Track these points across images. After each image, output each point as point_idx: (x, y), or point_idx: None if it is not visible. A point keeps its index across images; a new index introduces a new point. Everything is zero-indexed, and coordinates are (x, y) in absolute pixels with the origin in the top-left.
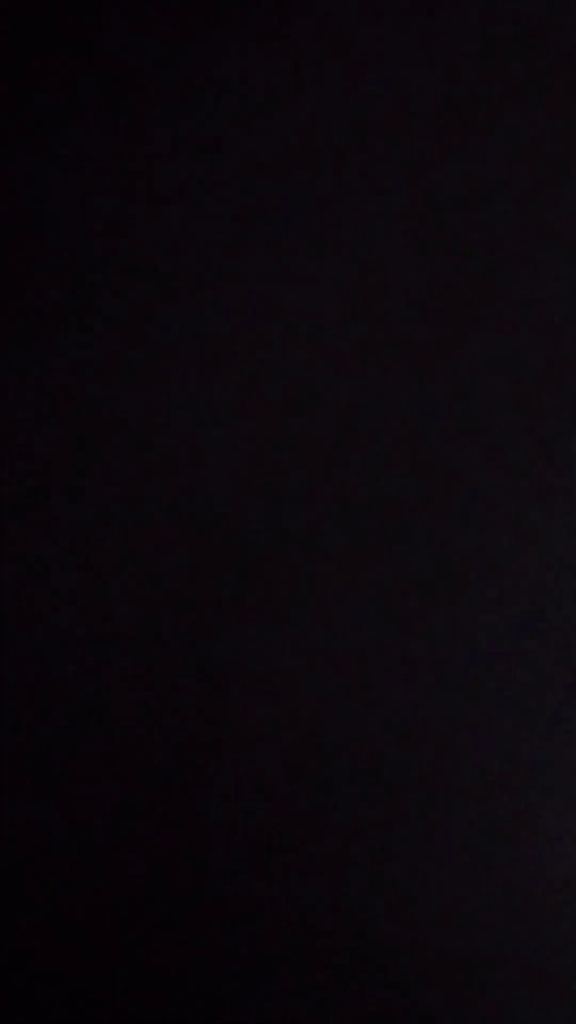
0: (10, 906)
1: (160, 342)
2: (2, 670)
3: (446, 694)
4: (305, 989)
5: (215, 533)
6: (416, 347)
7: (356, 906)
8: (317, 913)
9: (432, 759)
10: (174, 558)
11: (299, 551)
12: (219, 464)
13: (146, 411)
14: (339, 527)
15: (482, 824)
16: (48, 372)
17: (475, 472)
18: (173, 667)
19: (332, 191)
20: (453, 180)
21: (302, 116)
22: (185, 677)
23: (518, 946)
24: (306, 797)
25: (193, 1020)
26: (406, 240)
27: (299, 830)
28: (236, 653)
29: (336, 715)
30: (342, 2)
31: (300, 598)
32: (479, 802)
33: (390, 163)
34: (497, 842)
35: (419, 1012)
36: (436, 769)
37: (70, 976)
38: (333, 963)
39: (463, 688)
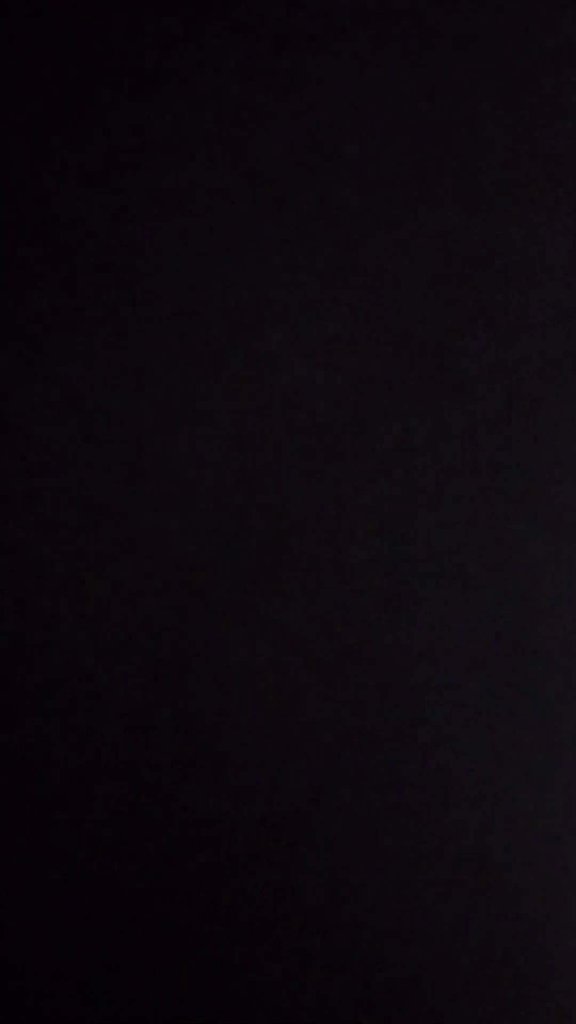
0: (9, 907)
1: (158, 342)
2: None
3: (444, 692)
4: (303, 987)
5: (214, 530)
6: (415, 347)
7: (354, 905)
8: (314, 912)
9: (431, 757)
10: (173, 557)
11: (298, 550)
12: (218, 463)
13: (144, 411)
14: (338, 526)
15: (480, 823)
16: (47, 372)
17: (474, 473)
18: (172, 667)
19: (331, 192)
20: (452, 179)
21: (302, 117)
22: (184, 676)
23: (514, 943)
24: (304, 796)
25: (192, 1017)
26: (405, 240)
27: (297, 829)
28: (236, 652)
29: (334, 714)
30: (342, 4)
31: (299, 598)
32: (477, 800)
33: (389, 164)
34: (495, 840)
35: (416, 1009)
36: (434, 767)
37: (67, 975)
38: (331, 962)
39: (461, 686)
